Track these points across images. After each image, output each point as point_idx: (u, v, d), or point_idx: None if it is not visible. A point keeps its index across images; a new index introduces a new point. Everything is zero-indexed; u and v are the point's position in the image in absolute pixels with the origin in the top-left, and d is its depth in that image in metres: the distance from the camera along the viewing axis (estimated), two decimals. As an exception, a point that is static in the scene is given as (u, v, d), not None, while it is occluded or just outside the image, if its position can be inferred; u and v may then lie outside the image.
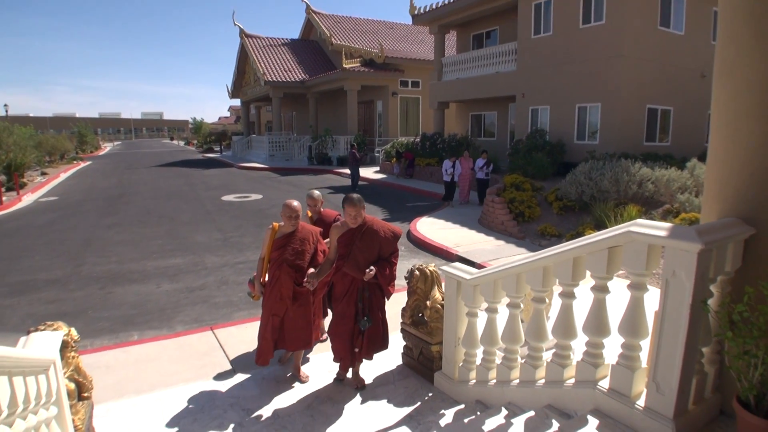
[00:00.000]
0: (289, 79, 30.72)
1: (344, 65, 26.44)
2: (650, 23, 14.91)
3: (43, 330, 3.45)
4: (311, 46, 35.05)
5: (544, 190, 13.53)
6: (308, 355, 5.44)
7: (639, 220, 2.79)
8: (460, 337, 4.20)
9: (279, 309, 4.56)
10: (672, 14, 15.34)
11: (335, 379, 4.82)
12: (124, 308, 7.46)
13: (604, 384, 2.97)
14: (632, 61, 14.75)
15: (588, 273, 3.09)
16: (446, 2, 20.30)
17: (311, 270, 4.47)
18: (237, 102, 46.33)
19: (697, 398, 2.73)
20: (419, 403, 4.23)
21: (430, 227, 12.12)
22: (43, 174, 26.55)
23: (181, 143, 78.60)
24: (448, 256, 9.64)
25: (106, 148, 66.80)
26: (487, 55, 19.73)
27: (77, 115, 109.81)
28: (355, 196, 4.41)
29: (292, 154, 31.52)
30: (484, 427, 3.22)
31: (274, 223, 4.62)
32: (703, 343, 2.71)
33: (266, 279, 4.73)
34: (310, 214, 5.57)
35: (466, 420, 3.51)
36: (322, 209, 5.69)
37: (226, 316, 7.06)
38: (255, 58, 31.65)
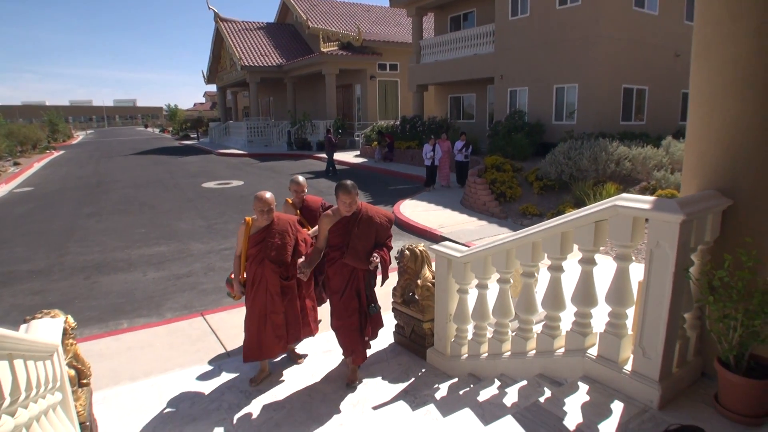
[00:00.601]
0: (266, 64, 30.33)
1: (322, 49, 26.20)
2: (625, 4, 15.10)
3: (41, 317, 3.48)
4: (288, 30, 34.59)
5: (524, 170, 13.73)
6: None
7: (624, 194, 2.92)
8: (451, 314, 4.32)
9: (276, 306, 4.35)
10: (646, -6, 15.55)
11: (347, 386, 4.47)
12: (111, 297, 7.44)
13: (593, 351, 3.13)
14: (608, 42, 14.95)
15: (575, 247, 3.22)
16: (423, -16, 20.20)
17: (300, 260, 4.29)
18: (213, 88, 45.63)
19: (681, 361, 2.90)
20: (413, 379, 4.36)
21: (414, 209, 12.24)
22: (16, 164, 25.94)
23: (156, 131, 77.22)
24: (433, 237, 9.78)
25: (79, 136, 65.31)
26: (465, 37, 19.76)
27: (47, 104, 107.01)
28: (349, 182, 4.17)
29: (271, 139, 31.26)
30: (479, 398, 3.35)
31: (247, 218, 4.30)
32: (685, 310, 2.87)
33: (244, 277, 4.47)
34: (291, 201, 5.29)
35: (461, 392, 3.64)
36: (305, 196, 5.42)
37: (216, 302, 7.09)
38: (231, 42, 31.14)
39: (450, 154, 15.60)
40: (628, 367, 2.91)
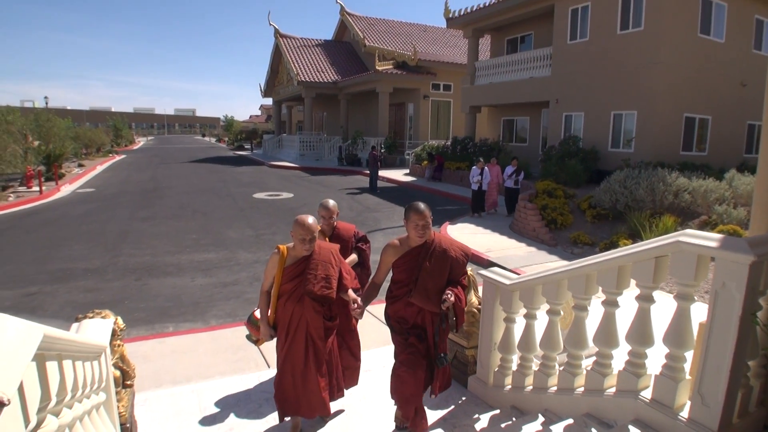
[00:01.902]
0: (321, 80, 31.02)
1: (377, 67, 26.57)
2: (690, 30, 14.62)
3: (92, 317, 3.59)
4: (344, 48, 35.33)
5: (576, 197, 13.38)
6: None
7: (688, 230, 2.77)
8: (496, 342, 4.21)
9: (319, 353, 3.64)
10: (713, 21, 15.01)
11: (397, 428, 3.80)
12: (159, 300, 7.66)
13: (646, 394, 2.96)
14: (670, 69, 14.48)
15: (632, 282, 3.07)
16: (480, 6, 20.23)
17: (353, 296, 3.59)
18: (269, 101, 46.95)
19: (742, 412, 2.70)
20: (453, 407, 4.25)
21: (461, 231, 12.10)
22: (80, 166, 27.36)
23: (213, 140, 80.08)
24: (480, 261, 9.62)
25: (140, 142, 68.50)
26: (521, 60, 19.60)
27: (113, 109, 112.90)
28: (422, 204, 3.53)
29: (322, 154, 31.80)
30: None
31: (280, 246, 3.56)
32: (750, 357, 2.68)
33: (272, 317, 3.75)
34: (319, 227, 4.30)
35: (502, 425, 3.52)
36: (336, 222, 4.56)
37: (259, 312, 7.18)
38: (289, 58, 32.05)
39: (499, 179, 14.97)
40: (684, 414, 2.74)
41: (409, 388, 3.45)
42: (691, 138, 15.62)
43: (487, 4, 19.94)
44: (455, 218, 13.96)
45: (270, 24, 34.08)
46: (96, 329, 3.10)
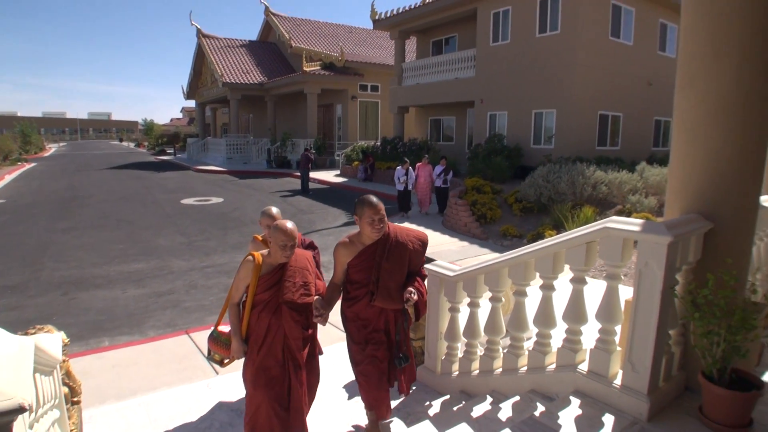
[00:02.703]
0: (247, 81, 30.43)
1: (304, 68, 26.42)
2: (602, 33, 15.69)
3: (34, 333, 3.45)
4: (270, 49, 34.83)
5: (503, 192, 14.00)
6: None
7: (614, 218, 3.08)
8: (442, 332, 4.41)
9: (298, 365, 3.31)
10: (622, 25, 16.19)
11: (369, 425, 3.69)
12: (91, 314, 7.32)
13: (583, 367, 3.25)
14: (585, 70, 15.47)
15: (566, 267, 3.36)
16: (406, 9, 20.65)
17: (315, 298, 3.31)
18: (191, 103, 45.42)
19: (666, 376, 3.04)
20: (404, 397, 4.41)
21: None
22: (-15, 177, 25.32)
23: (131, 145, 76.34)
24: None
25: (51, 149, 64.07)
26: (447, 61, 20.19)
27: (19, 114, 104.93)
28: (373, 197, 3.32)
29: (250, 157, 31.21)
30: (473, 414, 3.44)
31: (255, 253, 3.27)
32: (671, 326, 3.01)
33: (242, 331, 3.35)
34: (261, 238, 4.13)
35: (454, 408, 3.71)
36: None
37: (199, 320, 7.05)
38: (213, 59, 31.19)
39: (431, 178, 14.72)
40: (618, 381, 3.04)
41: (377, 393, 3.42)
42: (605, 134, 16.75)
43: (412, 7, 20.37)
44: (389, 216, 14.18)
45: (192, 24, 33.03)
46: (50, 343, 2.99)
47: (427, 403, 4.15)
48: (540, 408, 3.16)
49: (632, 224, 2.92)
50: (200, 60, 35.96)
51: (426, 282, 3.95)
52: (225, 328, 3.68)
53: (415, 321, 3.63)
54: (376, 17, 22.18)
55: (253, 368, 3.21)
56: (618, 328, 3.23)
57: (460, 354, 4.34)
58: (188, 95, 39.83)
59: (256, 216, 14.71)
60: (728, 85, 2.95)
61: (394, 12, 21.33)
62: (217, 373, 5.24)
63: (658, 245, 2.78)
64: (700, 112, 3.09)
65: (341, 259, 3.39)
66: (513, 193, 13.25)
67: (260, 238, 4.06)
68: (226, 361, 3.59)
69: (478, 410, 3.47)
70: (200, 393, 4.74)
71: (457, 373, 4.31)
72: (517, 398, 3.42)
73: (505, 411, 3.29)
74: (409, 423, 3.65)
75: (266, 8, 32.99)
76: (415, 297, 3.23)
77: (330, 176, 23.90)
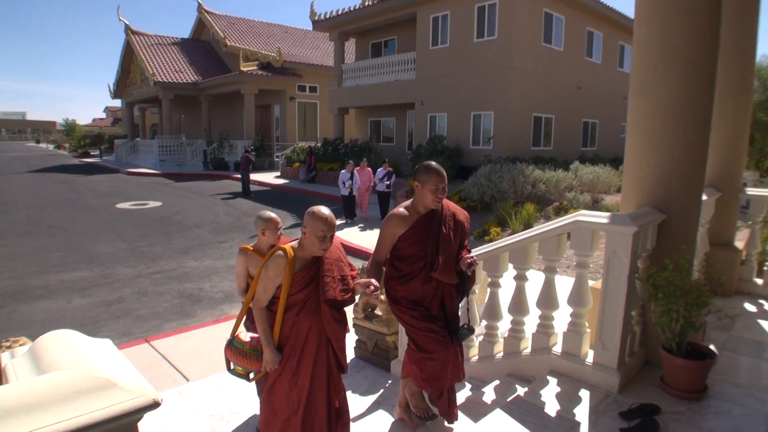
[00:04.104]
0: (180, 80, 29.48)
1: (241, 68, 25.96)
2: (536, 39, 16.52)
3: (9, 345, 3.34)
4: (203, 47, 33.87)
5: (447, 192, 14.44)
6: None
7: (583, 211, 3.40)
8: (414, 324, 4.61)
9: (336, 373, 2.91)
10: (553, 32, 17.13)
11: (426, 418, 3.34)
12: (35, 327, 6.95)
13: (557, 349, 3.55)
14: (521, 74, 16.23)
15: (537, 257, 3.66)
16: (346, 11, 20.79)
17: (366, 280, 2.85)
18: (116, 102, 43.42)
19: (631, 352, 3.40)
20: (382, 390, 4.57)
21: (346, 230, 12.49)
22: None
23: (51, 147, 71.73)
24: (368, 257, 10.05)
25: (-44, 152, 59.17)
26: (387, 63, 20.51)
27: None
28: (433, 162, 3.10)
29: (185, 159, 30.25)
30: (457, 400, 3.65)
31: (286, 246, 2.78)
32: (633, 308, 3.37)
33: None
34: (251, 248, 3.67)
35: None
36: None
37: (156, 328, 6.88)
38: (143, 56, 29.96)
39: (371, 182, 13.94)
40: (590, 359, 3.36)
41: (448, 368, 3.11)
42: (540, 135, 17.64)
43: (352, 9, 20.54)
44: (336, 217, 14.27)
45: (120, 19, 31.56)
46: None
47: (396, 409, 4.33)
48: (519, 389, 3.43)
49: (601, 217, 3.25)
50: (129, 57, 34.42)
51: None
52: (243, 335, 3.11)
53: (465, 295, 3.28)
54: (316, 18, 22.18)
55: (290, 379, 2.78)
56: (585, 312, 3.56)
57: (434, 345, 4.55)
58: (115, 94, 38.00)
59: (199, 219, 14.42)
60: (677, 93, 3.35)
61: (334, 13, 21.42)
62: (188, 379, 5.19)
63: (625, 235, 3.11)
64: (653, 118, 3.47)
65: (394, 230, 3.08)
66: (456, 192, 13.71)
67: (251, 249, 3.62)
68: (253, 375, 2.99)
69: (461, 396, 3.69)
70: (174, 401, 4.67)
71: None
72: (497, 382, 3.68)
73: (489, 395, 3.54)
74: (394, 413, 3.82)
75: (199, 5, 32.09)
76: (477, 261, 3.12)
77: (270, 178, 23.63)
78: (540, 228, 3.55)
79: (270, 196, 19.09)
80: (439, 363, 3.09)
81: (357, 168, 13.66)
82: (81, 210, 16.00)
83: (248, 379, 3.01)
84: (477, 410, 3.31)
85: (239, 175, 21.60)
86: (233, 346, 2.94)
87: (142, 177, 25.99)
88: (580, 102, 18.75)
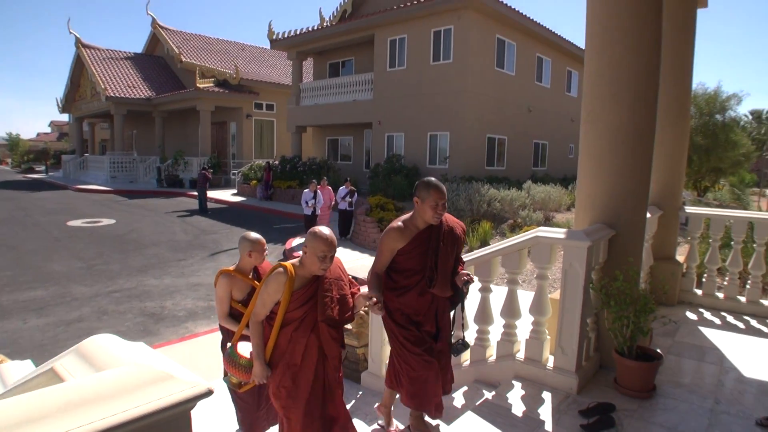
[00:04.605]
0: (133, 96, 28.90)
1: (198, 85, 25.75)
2: (489, 64, 17.25)
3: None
4: (157, 62, 33.35)
5: (405, 209, 14.77)
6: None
7: (542, 228, 3.72)
8: (385, 339, 4.80)
9: (335, 389, 2.98)
10: (506, 57, 17.94)
11: None
12: (-11, 347, 6.78)
13: (520, 355, 3.83)
14: (475, 96, 16.88)
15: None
16: (305, 31, 21.07)
17: (367, 293, 3.03)
18: (64, 117, 42.01)
19: (587, 357, 3.72)
20: (354, 401, 4.73)
21: (307, 247, 12.56)
22: None
23: (-11, 162, 68.39)
24: (332, 273, 10.19)
25: None
26: (345, 84, 20.85)
27: None
28: (434, 179, 3.18)
29: (137, 175, 29.55)
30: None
31: (286, 264, 2.82)
32: (589, 315, 3.70)
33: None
34: (233, 270, 3.56)
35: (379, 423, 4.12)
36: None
37: (119, 345, 6.81)
38: (94, 71, 29.22)
39: (332, 201, 13.97)
40: (551, 364, 3.66)
41: (434, 386, 3.20)
42: (493, 155, 18.31)
43: (310, 29, 20.84)
44: (296, 235, 14.34)
45: (70, 32, 30.72)
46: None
47: (377, 404, 4.52)
48: (486, 393, 3.68)
49: (558, 233, 3.57)
50: (79, 71, 33.45)
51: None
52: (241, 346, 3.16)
53: (461, 308, 3.37)
54: (274, 37, 22.34)
55: (285, 395, 2.81)
56: (545, 321, 3.87)
57: (403, 356, 4.76)
58: (64, 108, 36.74)
59: (156, 237, 14.19)
60: (624, 121, 3.74)
61: (293, 33, 21.65)
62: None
63: (580, 249, 3.44)
64: (603, 143, 3.85)
65: (392, 245, 3.14)
66: (415, 209, 14.04)
67: (232, 270, 3.53)
68: (244, 384, 3.06)
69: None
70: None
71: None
72: (465, 388, 3.93)
73: (458, 400, 3.78)
74: (369, 422, 4.00)
75: (153, 20, 31.67)
76: (473, 278, 3.17)
77: (227, 195, 23.42)
78: (503, 243, 3.85)
79: (228, 213, 18.94)
80: (421, 382, 3.19)
81: (319, 187, 13.60)
82: (29, 228, 15.44)
83: (238, 389, 3.09)
84: (449, 414, 3.53)
85: (195, 193, 21.39)
86: (229, 356, 3.03)
87: (93, 194, 25.23)
88: (531, 124, 19.62)
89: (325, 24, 20.76)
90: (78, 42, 30.97)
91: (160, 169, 27.59)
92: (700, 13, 6.09)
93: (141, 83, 30.34)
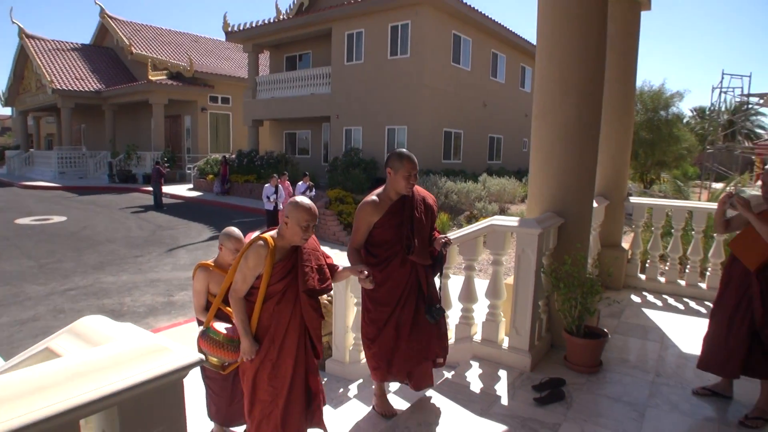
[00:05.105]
0: (82, 89, 27.87)
1: (150, 77, 25.08)
2: (445, 59, 17.56)
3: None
4: (106, 54, 32.22)
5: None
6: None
7: (497, 216, 3.96)
8: (349, 325, 4.97)
9: (312, 359, 2.97)
10: (461, 53, 18.30)
11: (386, 415, 3.50)
12: (-60, 350, 6.57)
13: (477, 337, 4.07)
14: (431, 91, 17.17)
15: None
16: (261, 23, 20.85)
17: (357, 267, 3.02)
18: (7, 111, 40.10)
19: (539, 336, 3.98)
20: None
21: (267, 241, 12.56)
22: None
23: None
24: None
25: None
26: (303, 77, 20.79)
27: None
28: (406, 150, 3.30)
29: (87, 171, 28.58)
30: (390, 388, 4.06)
31: (266, 236, 2.80)
32: (540, 298, 3.96)
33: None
34: (212, 264, 3.59)
35: (373, 386, 4.30)
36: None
37: (77, 342, 6.72)
38: (40, 62, 27.98)
39: (290, 195, 13.44)
40: (506, 344, 3.91)
41: (383, 357, 3.33)
42: (450, 148, 18.68)
43: (267, 22, 20.64)
44: (255, 229, 14.24)
45: (13, 22, 29.30)
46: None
47: (342, 390, 4.67)
48: (449, 373, 3.90)
49: (512, 221, 3.82)
50: (23, 63, 31.92)
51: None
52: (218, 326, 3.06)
53: (440, 275, 3.48)
54: (229, 29, 22.02)
55: (271, 367, 2.79)
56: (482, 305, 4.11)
57: (367, 343, 4.94)
58: (7, 102, 35.00)
59: (111, 234, 13.85)
60: (572, 117, 4.01)
61: (248, 26, 21.39)
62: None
63: (532, 236, 3.69)
64: (552, 137, 4.12)
65: (368, 218, 3.21)
66: (375, 203, 14.22)
67: (212, 264, 3.53)
68: (228, 364, 2.99)
69: (395, 384, 4.10)
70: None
71: (365, 359, 4.89)
72: (426, 370, 4.13)
73: (420, 380, 3.97)
74: (335, 405, 4.16)
75: (102, 10, 30.55)
76: (449, 242, 3.27)
77: (183, 190, 22.98)
78: (460, 232, 4.06)
79: (184, 209, 18.64)
80: (381, 351, 3.33)
81: (279, 181, 13.49)
82: (-27, 226, 14.80)
83: (222, 371, 3.02)
84: (412, 393, 3.73)
85: (149, 188, 20.88)
86: (208, 336, 2.93)
87: (41, 191, 24.29)
88: (486, 119, 20.09)
89: (281, 17, 20.60)
90: (21, 32, 29.57)
91: (111, 164, 26.78)
92: (645, 15, 6.48)
93: (89, 75, 29.30)
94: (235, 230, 3.56)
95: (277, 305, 2.76)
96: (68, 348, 1.54)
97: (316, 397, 2.97)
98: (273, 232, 2.83)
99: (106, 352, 1.31)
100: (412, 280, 3.25)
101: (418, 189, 3.34)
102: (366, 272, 2.93)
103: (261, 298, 2.74)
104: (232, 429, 3.71)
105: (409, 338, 3.29)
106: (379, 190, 3.29)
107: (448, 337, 3.65)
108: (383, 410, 3.52)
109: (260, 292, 2.73)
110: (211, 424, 3.72)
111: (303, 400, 2.87)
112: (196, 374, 3.82)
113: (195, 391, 4.08)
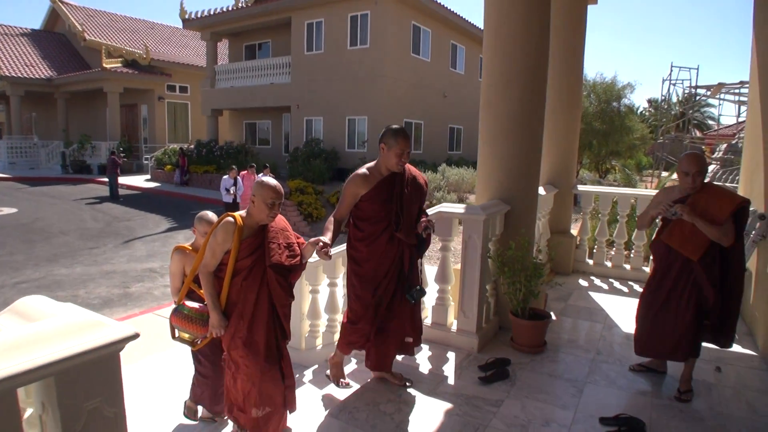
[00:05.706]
0: (32, 76, 26.78)
1: (104, 65, 24.30)
2: (405, 50, 17.66)
3: None
4: (57, 40, 30.97)
5: (325, 193, 14.98)
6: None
7: (444, 204, 4.09)
8: (304, 313, 5.03)
9: (273, 351, 2.97)
10: (421, 44, 18.43)
11: (340, 384, 3.73)
12: None
13: (427, 321, 4.20)
14: (392, 81, 17.26)
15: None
16: (219, 11, 20.47)
17: (314, 239, 3.05)
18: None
19: (486, 320, 4.15)
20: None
21: (227, 232, 12.45)
22: None
23: None
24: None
25: None
26: (262, 66, 20.54)
27: None
28: (402, 127, 3.28)
29: (39, 161, 27.55)
30: (345, 369, 4.16)
31: (235, 214, 2.91)
32: (487, 282, 4.12)
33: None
34: (189, 247, 3.67)
35: (327, 372, 4.39)
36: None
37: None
38: (-17, 48, 26.78)
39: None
40: (454, 327, 4.06)
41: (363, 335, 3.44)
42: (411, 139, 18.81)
43: (225, 10, 20.27)
44: (217, 220, 14.12)
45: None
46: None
47: (297, 375, 4.75)
48: (400, 356, 4.02)
49: (458, 208, 3.95)
50: (-36, 48, 30.47)
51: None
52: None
53: (421, 256, 3.47)
54: (186, 17, 21.53)
55: (242, 345, 2.86)
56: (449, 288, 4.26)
57: (322, 329, 5.02)
58: (-52, 89, 33.36)
59: (64, 226, 13.47)
60: (515, 108, 4.16)
61: (206, 13, 20.96)
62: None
63: (477, 222, 3.84)
64: (497, 127, 4.27)
65: (355, 190, 3.23)
66: (334, 193, 14.29)
67: (189, 248, 3.59)
68: (199, 340, 3.08)
69: (350, 368, 4.21)
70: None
71: (321, 346, 4.97)
72: (378, 353, 4.24)
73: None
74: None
75: (51, -6, 29.41)
76: (432, 223, 3.27)
77: (140, 181, 22.47)
78: (412, 219, 4.18)
79: (141, 200, 18.25)
80: (363, 328, 3.42)
81: (244, 173, 13.38)
82: None
83: (193, 346, 3.12)
84: (366, 374, 3.84)
85: (105, 179, 20.31)
86: (179, 312, 3.05)
87: (-12, 182, 23.32)
88: (446, 109, 20.32)
89: (240, 5, 20.25)
90: (-37, 15, 28.16)
91: (64, 155, 25.90)
92: (594, 9, 6.70)
93: (40, 62, 28.16)
94: (208, 214, 3.67)
95: (244, 281, 2.83)
96: (7, 325, 1.57)
97: (289, 377, 3.06)
98: (242, 212, 2.93)
99: (43, 326, 1.36)
100: (398, 259, 3.30)
101: (410, 167, 3.35)
102: (322, 243, 2.97)
103: (229, 274, 2.82)
104: (215, 411, 3.73)
105: (389, 316, 3.37)
106: (371, 164, 3.32)
107: (421, 319, 3.72)
108: (339, 377, 3.72)
109: (228, 268, 2.81)
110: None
111: (279, 378, 2.95)
112: (185, 358, 3.92)
113: (183, 373, 4.02)
